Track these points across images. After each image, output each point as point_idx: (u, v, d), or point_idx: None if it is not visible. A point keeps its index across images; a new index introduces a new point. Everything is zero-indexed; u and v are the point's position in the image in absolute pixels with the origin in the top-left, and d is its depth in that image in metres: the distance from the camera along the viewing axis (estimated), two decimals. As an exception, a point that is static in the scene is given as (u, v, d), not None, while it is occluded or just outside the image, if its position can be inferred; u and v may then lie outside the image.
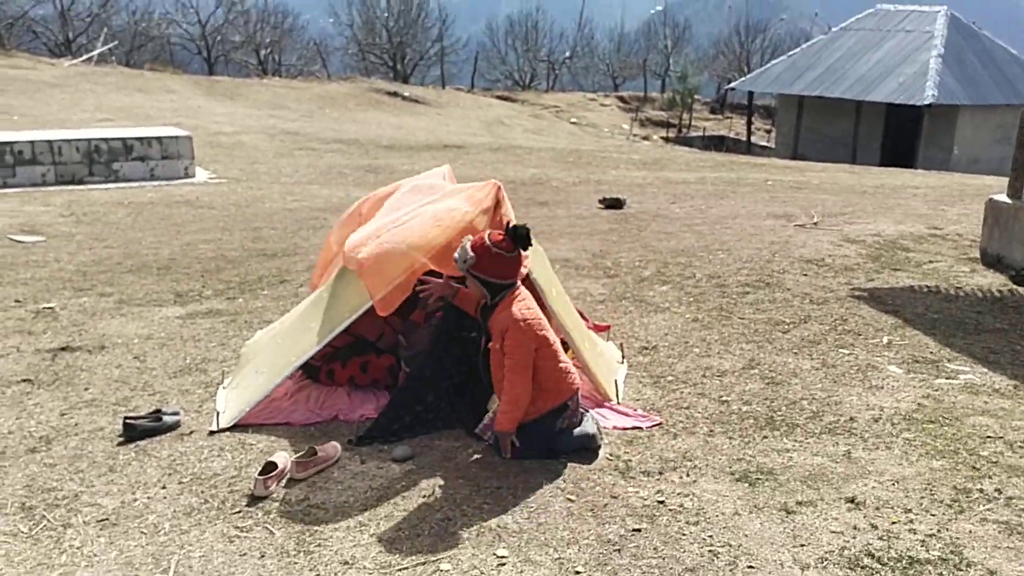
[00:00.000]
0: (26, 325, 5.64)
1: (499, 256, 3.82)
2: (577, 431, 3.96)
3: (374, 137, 19.01)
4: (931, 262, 7.66)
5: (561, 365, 3.91)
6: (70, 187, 11.06)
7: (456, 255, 3.86)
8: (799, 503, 3.53)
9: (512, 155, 17.43)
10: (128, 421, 4.05)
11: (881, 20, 29.14)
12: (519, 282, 3.94)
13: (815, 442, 4.09)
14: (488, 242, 3.84)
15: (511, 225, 3.89)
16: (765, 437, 4.13)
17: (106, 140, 11.66)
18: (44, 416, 4.29)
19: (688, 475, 3.76)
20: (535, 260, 4.31)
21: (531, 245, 3.92)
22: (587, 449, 3.93)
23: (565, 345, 4.53)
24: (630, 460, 3.89)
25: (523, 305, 3.85)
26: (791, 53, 31.09)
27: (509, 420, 3.82)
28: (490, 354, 3.92)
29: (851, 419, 4.34)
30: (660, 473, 3.78)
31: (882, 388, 4.76)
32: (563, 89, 39.90)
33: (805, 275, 7.07)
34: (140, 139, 11.88)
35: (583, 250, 7.96)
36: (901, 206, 11.07)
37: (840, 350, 5.35)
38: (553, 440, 3.90)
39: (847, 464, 3.87)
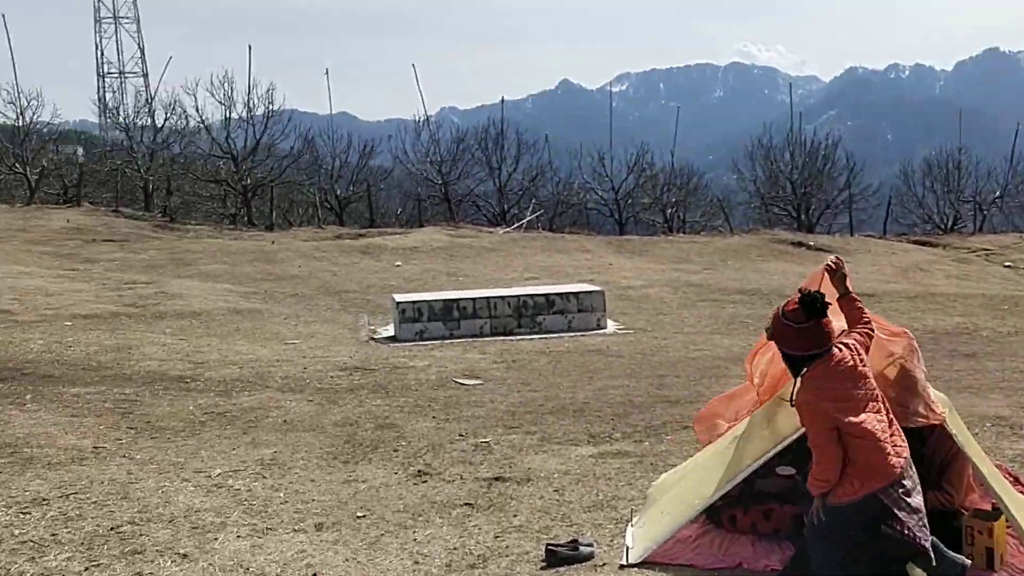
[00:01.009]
0: (467, 456, 6.51)
1: (788, 328, 3.70)
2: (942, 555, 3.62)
3: (777, 287, 18.91)
4: None
5: (881, 445, 3.54)
6: (502, 337, 12.60)
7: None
8: None
9: (932, 302, 16.19)
10: (550, 548, 4.50)
11: None
12: (826, 352, 3.68)
13: None
14: (780, 311, 3.76)
15: (803, 291, 3.74)
16: None
17: (532, 296, 13.21)
18: (481, 537, 4.90)
19: None
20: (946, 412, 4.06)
21: (824, 314, 3.67)
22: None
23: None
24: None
25: (816, 384, 3.63)
26: None
27: (813, 485, 3.66)
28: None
29: None
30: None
31: None
32: (993, 231, 36.16)
33: None
34: (560, 295, 13.27)
35: (1020, 407, 7.13)
36: None
37: None
38: (865, 545, 3.54)
39: None
